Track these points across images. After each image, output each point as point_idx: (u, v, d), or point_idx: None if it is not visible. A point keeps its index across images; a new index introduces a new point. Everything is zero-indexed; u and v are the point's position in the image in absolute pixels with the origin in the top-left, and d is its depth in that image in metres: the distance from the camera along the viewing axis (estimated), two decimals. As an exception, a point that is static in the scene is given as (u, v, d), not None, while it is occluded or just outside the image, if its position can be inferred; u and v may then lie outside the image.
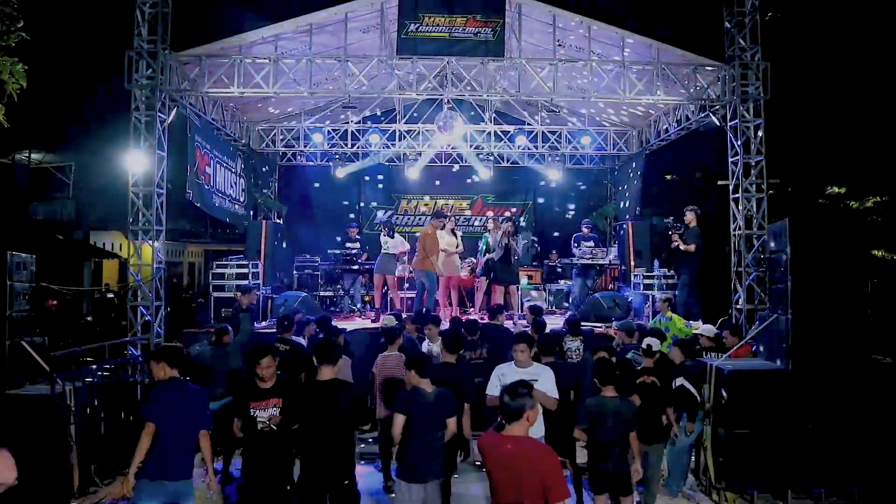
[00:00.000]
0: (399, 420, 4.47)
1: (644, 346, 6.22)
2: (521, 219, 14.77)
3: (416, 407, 4.49)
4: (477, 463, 6.71)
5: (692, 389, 6.17)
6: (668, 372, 6.13)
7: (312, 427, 4.38)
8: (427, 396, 4.53)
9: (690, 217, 10.10)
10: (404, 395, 4.64)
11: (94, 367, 7.16)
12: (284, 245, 12.93)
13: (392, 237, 10.87)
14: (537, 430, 5.06)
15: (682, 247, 10.00)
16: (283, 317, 7.32)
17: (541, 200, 15.12)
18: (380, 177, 14.91)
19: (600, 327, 9.46)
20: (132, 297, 8.72)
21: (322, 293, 12.08)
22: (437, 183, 14.99)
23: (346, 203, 14.89)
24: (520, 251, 11.01)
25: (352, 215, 14.84)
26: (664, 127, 11.96)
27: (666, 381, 6.00)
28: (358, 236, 12.20)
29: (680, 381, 6.16)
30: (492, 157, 13.97)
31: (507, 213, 14.30)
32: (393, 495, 5.69)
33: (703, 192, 15.31)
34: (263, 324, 9.73)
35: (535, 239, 13.80)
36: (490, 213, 14.54)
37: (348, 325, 9.57)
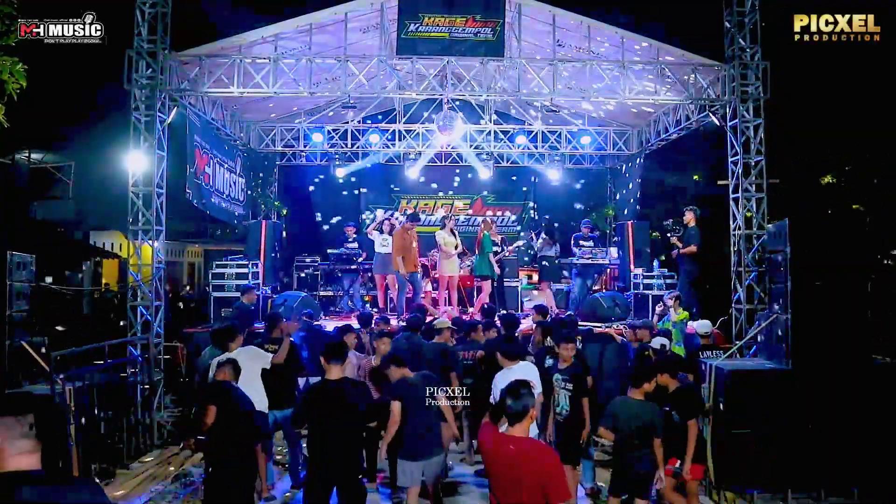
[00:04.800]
0: (396, 406, 4.96)
1: (657, 346, 6.23)
2: (519, 217, 14.80)
3: (408, 393, 5.00)
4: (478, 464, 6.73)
5: None
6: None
7: (322, 425, 4.43)
8: (414, 382, 5.08)
9: (689, 217, 10.11)
10: (396, 384, 5.13)
11: (94, 366, 7.16)
12: (284, 245, 12.93)
13: (381, 232, 10.97)
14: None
15: (682, 250, 10.01)
16: (271, 316, 7.30)
17: (541, 200, 15.11)
18: (380, 177, 14.90)
19: (600, 327, 9.46)
20: (132, 296, 8.72)
21: (322, 293, 12.08)
22: (437, 183, 14.99)
23: (346, 203, 14.89)
24: (550, 250, 11.26)
25: (362, 209, 14.82)
26: (664, 127, 11.96)
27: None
28: (356, 235, 12.18)
29: None
30: (492, 157, 13.97)
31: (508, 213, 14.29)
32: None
33: (702, 192, 15.32)
34: (264, 324, 9.71)
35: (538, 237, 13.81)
36: (489, 213, 14.59)
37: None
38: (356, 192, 14.92)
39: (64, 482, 2.27)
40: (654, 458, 4.88)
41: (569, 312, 10.48)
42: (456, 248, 10.67)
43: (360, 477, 4.60)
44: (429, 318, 8.54)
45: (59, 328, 10.00)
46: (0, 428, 2.16)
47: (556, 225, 13.49)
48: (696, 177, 15.82)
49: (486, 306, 9.06)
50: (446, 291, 10.83)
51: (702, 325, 7.61)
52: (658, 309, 9.83)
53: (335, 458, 4.39)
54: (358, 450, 4.62)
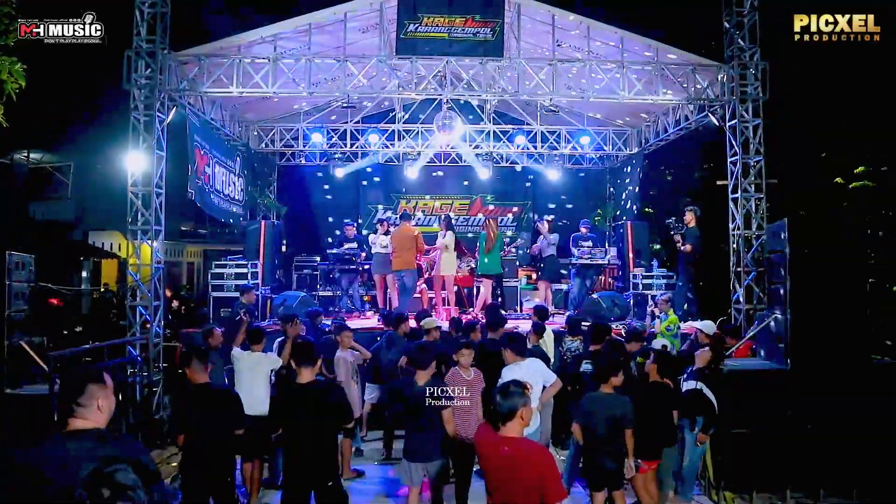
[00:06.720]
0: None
1: (659, 347, 6.25)
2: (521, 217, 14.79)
3: (410, 395, 4.99)
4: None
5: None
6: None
7: (295, 429, 4.42)
8: (418, 387, 4.99)
9: (689, 217, 10.11)
10: (401, 383, 5.26)
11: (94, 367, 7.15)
12: (284, 245, 12.91)
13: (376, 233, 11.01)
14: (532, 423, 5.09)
15: (680, 247, 10.02)
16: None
17: (540, 200, 15.10)
18: (379, 177, 14.90)
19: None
20: (131, 297, 8.72)
21: (321, 293, 12.07)
22: (437, 183, 14.99)
23: (345, 203, 14.88)
24: (551, 249, 11.39)
25: (361, 209, 14.79)
26: (663, 127, 11.96)
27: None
28: (356, 235, 12.16)
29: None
30: (491, 157, 13.97)
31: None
32: None
33: (702, 193, 15.31)
34: (264, 323, 9.73)
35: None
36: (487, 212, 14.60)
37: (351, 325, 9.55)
38: (355, 192, 14.91)
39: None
40: (624, 450, 4.93)
41: (569, 313, 10.48)
42: (455, 247, 10.66)
43: (339, 480, 4.56)
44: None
45: (59, 328, 10.00)
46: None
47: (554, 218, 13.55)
48: (695, 177, 15.81)
49: (496, 305, 9.07)
50: (443, 292, 10.82)
51: (706, 325, 7.61)
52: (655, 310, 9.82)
53: (310, 461, 4.37)
54: (334, 453, 4.58)
